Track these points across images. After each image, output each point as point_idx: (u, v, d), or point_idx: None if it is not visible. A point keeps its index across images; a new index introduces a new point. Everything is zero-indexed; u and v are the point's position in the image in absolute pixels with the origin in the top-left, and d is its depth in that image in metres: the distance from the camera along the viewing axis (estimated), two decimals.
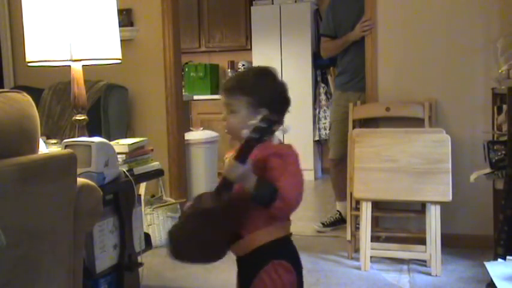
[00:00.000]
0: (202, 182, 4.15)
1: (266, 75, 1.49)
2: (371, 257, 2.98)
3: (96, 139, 2.17)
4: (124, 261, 2.34)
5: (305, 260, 3.22)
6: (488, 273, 2.02)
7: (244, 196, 1.36)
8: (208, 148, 4.22)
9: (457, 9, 3.25)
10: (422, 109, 3.22)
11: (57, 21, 2.23)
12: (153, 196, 3.71)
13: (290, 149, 1.45)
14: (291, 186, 1.36)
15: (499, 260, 2.23)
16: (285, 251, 1.48)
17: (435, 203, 2.89)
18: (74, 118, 2.43)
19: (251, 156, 1.33)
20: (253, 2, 6.10)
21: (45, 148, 2.26)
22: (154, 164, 2.55)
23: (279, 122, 1.40)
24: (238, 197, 1.37)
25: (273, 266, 1.43)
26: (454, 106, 3.28)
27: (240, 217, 1.42)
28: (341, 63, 3.83)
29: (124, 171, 2.31)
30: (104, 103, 3.65)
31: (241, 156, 1.31)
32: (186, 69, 6.37)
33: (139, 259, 2.47)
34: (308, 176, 5.63)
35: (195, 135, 4.28)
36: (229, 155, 1.40)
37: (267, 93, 1.46)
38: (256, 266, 1.43)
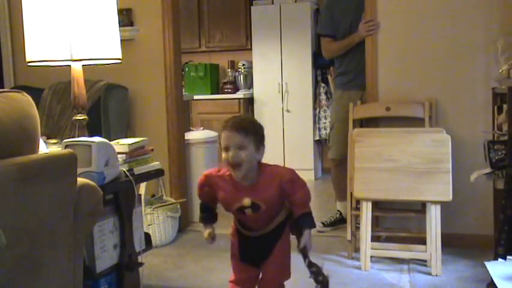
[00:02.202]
0: None
1: (256, 121, 2.03)
2: (371, 256, 2.98)
3: (97, 139, 2.17)
4: (124, 261, 2.35)
5: None
6: (488, 273, 2.02)
7: None
8: (208, 148, 4.21)
9: (457, 9, 3.25)
10: (422, 109, 3.22)
11: (57, 21, 2.23)
12: (153, 196, 3.71)
13: (292, 171, 2.00)
14: (306, 193, 2.01)
15: (500, 259, 2.23)
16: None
17: (435, 202, 2.89)
18: (74, 118, 2.43)
19: (268, 186, 1.95)
20: (253, 2, 6.09)
21: (45, 148, 2.26)
22: (155, 164, 2.55)
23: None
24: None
25: (286, 232, 2.08)
26: (454, 106, 3.28)
27: None
28: (341, 63, 3.81)
29: (124, 171, 2.32)
30: (104, 103, 3.65)
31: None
32: (186, 69, 6.37)
33: (139, 259, 2.47)
34: (308, 175, 5.61)
35: (195, 135, 4.27)
36: (247, 200, 1.93)
37: (261, 133, 1.98)
38: (277, 236, 2.05)
